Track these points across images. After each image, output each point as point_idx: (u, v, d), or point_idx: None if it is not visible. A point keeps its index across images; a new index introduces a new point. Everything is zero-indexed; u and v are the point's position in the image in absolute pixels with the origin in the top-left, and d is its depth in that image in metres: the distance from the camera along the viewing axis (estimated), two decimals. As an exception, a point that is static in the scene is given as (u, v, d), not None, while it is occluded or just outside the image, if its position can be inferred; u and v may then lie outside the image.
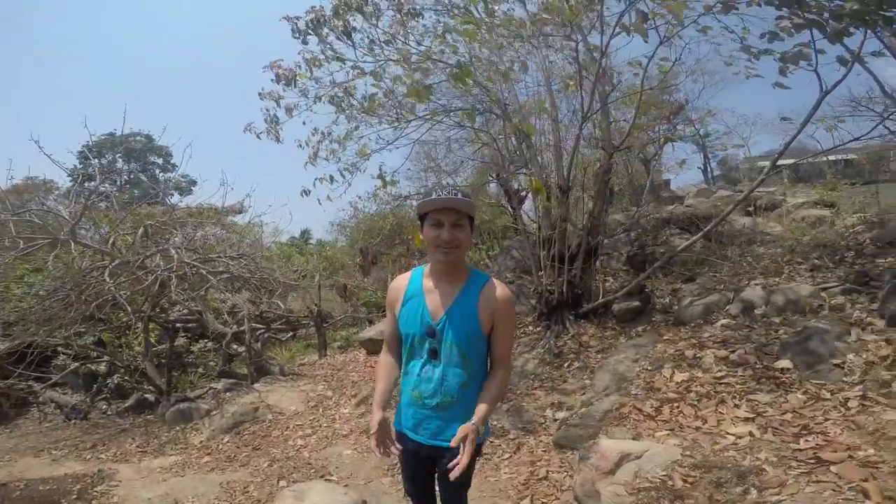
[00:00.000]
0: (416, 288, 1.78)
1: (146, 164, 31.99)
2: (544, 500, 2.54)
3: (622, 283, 5.67)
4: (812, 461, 1.92)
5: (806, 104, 3.49)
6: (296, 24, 4.24)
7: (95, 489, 3.53)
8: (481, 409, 1.62)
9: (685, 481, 1.96)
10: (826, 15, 2.63)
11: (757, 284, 4.44)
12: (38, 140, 5.47)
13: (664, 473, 2.03)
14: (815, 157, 8.58)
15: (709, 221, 5.56)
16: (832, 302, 3.60)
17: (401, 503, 2.84)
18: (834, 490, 1.73)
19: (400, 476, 3.12)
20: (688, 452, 2.15)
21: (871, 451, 1.90)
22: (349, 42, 4.48)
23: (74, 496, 3.42)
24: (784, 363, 2.90)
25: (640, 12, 3.15)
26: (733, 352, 3.26)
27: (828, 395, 2.46)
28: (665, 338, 3.99)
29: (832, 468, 1.85)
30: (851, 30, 2.65)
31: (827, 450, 1.97)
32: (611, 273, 6.70)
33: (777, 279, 4.61)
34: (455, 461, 1.49)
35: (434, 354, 1.70)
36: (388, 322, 1.90)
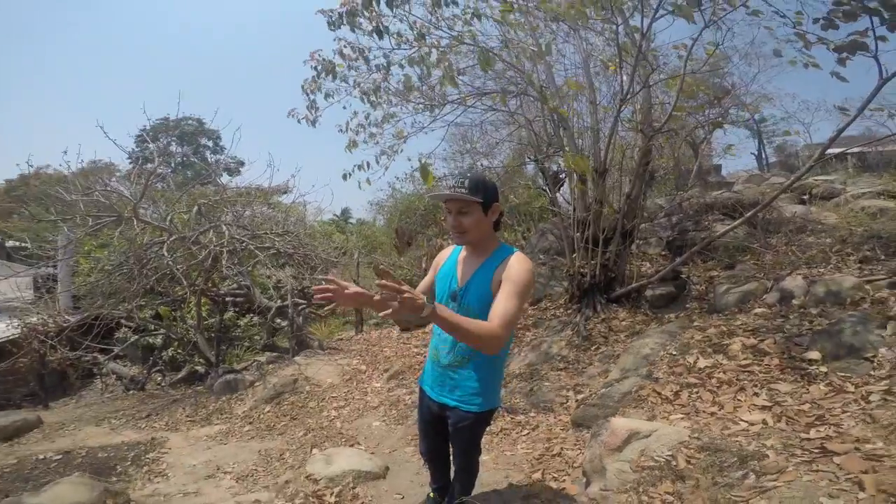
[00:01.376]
0: (454, 258, 1.99)
1: (197, 147, 33.55)
2: (555, 475, 2.63)
3: (658, 269, 5.57)
4: (817, 451, 1.90)
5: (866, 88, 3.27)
6: (331, 17, 4.37)
7: (147, 456, 3.79)
8: (442, 308, 1.57)
9: (689, 462, 2.00)
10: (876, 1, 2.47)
11: (799, 274, 4.27)
12: (103, 126, 5.96)
13: (669, 453, 2.07)
14: (868, 145, 7.96)
15: (754, 208, 5.35)
16: (875, 295, 3.43)
17: (420, 472, 3.01)
18: (831, 480, 1.72)
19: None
20: (695, 435, 2.18)
21: (880, 444, 1.86)
22: (384, 31, 4.58)
23: (129, 462, 3.66)
24: (813, 354, 2.83)
25: None
26: (762, 341, 3.19)
27: (851, 388, 2.40)
28: (695, 324, 3.94)
29: (835, 459, 1.83)
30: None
31: (835, 441, 1.94)
32: (648, 258, 6.58)
33: (822, 270, 4.42)
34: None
35: None
36: (426, 279, 2.12)
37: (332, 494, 2.70)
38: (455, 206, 1.79)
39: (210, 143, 33.70)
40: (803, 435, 2.06)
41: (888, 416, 2.07)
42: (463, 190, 1.75)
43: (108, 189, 7.01)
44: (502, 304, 1.65)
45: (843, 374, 2.58)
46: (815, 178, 8.98)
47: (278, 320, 7.30)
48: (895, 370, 2.43)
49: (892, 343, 2.64)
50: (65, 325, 5.98)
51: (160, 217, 7.19)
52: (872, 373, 2.49)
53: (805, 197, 7.62)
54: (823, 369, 2.69)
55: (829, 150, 3.95)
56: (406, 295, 1.48)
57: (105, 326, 6.27)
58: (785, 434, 2.12)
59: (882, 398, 2.24)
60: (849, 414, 2.20)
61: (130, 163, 21.60)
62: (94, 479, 2.98)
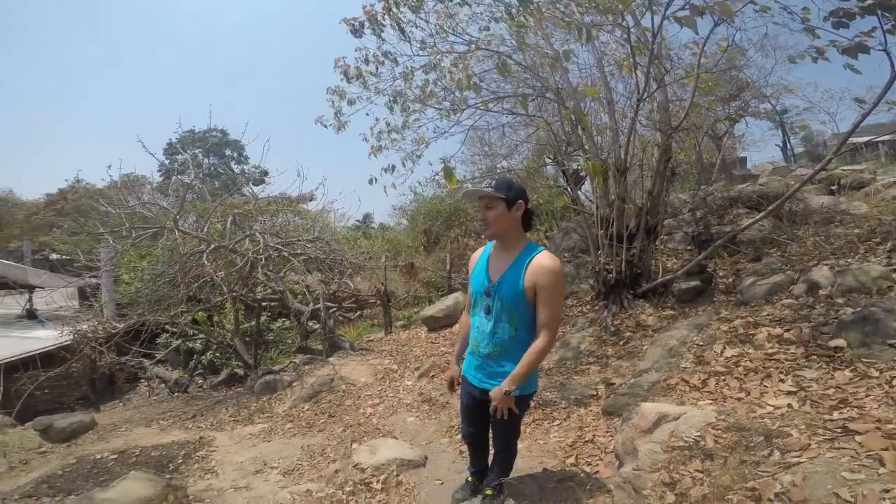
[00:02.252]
0: (485, 257, 2.21)
1: (222, 158, 34.53)
2: (588, 460, 2.76)
3: (684, 264, 5.62)
4: (839, 430, 1.99)
5: None
6: (353, 25, 4.59)
7: (197, 454, 3.96)
8: (514, 372, 1.99)
9: (716, 442, 2.11)
10: None
11: (826, 265, 4.29)
12: (142, 140, 6.33)
13: (698, 434, 2.18)
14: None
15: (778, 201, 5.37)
16: (903, 282, 3.46)
17: (457, 460, 3.18)
18: (852, 457, 1.80)
19: (456, 437, 3.51)
20: (722, 417, 2.29)
21: None
22: (404, 38, 4.79)
23: (180, 461, 3.83)
24: (838, 342, 2.89)
25: (693, 6, 3.16)
26: (788, 330, 3.26)
27: (875, 374, 2.45)
28: (722, 316, 4.00)
29: (857, 437, 1.91)
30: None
31: (857, 422, 2.02)
32: (673, 253, 6.62)
33: (849, 260, 4.42)
34: (493, 406, 2.01)
35: (488, 311, 2.09)
36: (468, 286, 2.33)
37: (378, 481, 2.90)
38: (483, 202, 2.08)
39: (234, 154, 34.62)
40: (826, 416, 2.15)
41: (910, 399, 2.14)
42: (489, 189, 2.07)
43: (150, 202, 7.41)
44: (543, 313, 1.99)
45: (867, 360, 2.64)
46: (844, 167, 8.84)
47: (310, 323, 7.57)
48: (920, 355, 2.48)
49: (917, 329, 2.69)
50: (113, 331, 6.34)
51: (197, 227, 7.57)
52: (896, 358, 2.55)
53: (833, 188, 7.53)
54: (849, 356, 2.74)
55: (855, 140, 3.97)
56: (499, 404, 2.02)
57: (150, 332, 6.62)
58: (809, 416, 2.21)
59: (905, 382, 2.31)
60: (872, 397, 2.26)
61: (161, 175, 22.40)
62: (157, 475, 3.21)
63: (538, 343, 1.98)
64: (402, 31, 4.63)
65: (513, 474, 2.54)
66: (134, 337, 6.61)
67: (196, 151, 31.25)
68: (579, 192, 7.44)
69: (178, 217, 6.16)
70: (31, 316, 10.79)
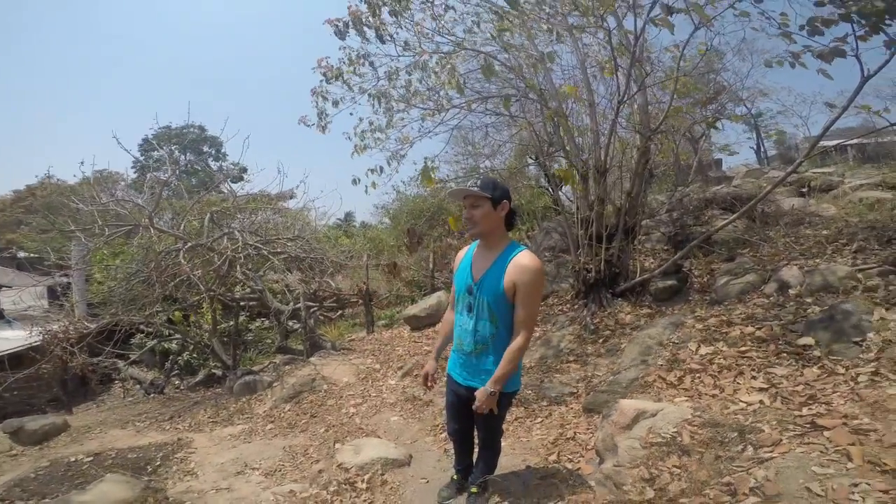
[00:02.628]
0: (469, 255, 2.25)
1: (199, 154, 33.77)
2: (570, 457, 2.83)
3: (661, 263, 5.76)
4: (808, 426, 2.09)
5: (871, 82, 3.42)
6: (337, 26, 4.56)
7: (175, 456, 3.91)
8: (496, 373, 2.04)
9: (692, 437, 2.19)
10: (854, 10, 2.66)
11: (795, 265, 4.45)
12: (117, 136, 6.16)
13: (675, 430, 2.26)
14: (862, 137, 8.16)
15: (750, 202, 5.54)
16: (867, 283, 3.59)
17: (441, 459, 3.21)
18: (821, 452, 1.90)
19: (441, 435, 3.54)
20: (698, 413, 2.37)
21: (866, 420, 2.03)
22: (383, 42, 4.78)
23: (158, 463, 3.78)
24: (807, 340, 3.01)
25: (665, 6, 3.25)
26: (760, 328, 3.38)
27: (841, 371, 2.57)
28: (697, 314, 4.12)
29: (825, 433, 2.01)
30: (888, 20, 2.68)
31: (825, 417, 2.12)
32: (651, 253, 6.76)
33: (818, 260, 4.59)
34: (476, 405, 2.05)
35: (470, 308, 2.14)
36: (452, 284, 2.37)
37: (363, 481, 2.91)
38: (468, 201, 2.12)
39: (213, 151, 33.91)
40: (796, 412, 2.25)
41: (874, 395, 2.25)
42: (475, 188, 2.10)
43: (124, 199, 7.23)
44: (520, 312, 2.04)
45: (834, 357, 2.76)
46: (814, 170, 9.16)
47: (290, 323, 7.50)
48: (882, 353, 2.60)
49: (879, 328, 2.82)
50: (85, 331, 6.17)
51: (173, 225, 7.41)
52: (861, 356, 2.67)
53: (804, 190, 7.79)
54: (817, 353, 2.87)
55: (825, 143, 4.12)
56: (483, 403, 2.05)
57: (124, 332, 6.47)
58: (780, 412, 2.31)
59: (869, 379, 2.43)
60: (838, 394, 2.38)
61: (136, 171, 21.81)
62: (135, 478, 3.16)
63: (517, 341, 2.03)
64: (380, 38, 4.62)
65: (497, 472, 2.59)
66: (107, 337, 6.45)
67: (172, 148, 30.51)
68: (560, 193, 7.54)
69: (153, 214, 6.03)
70: (-2, 316, 10.42)
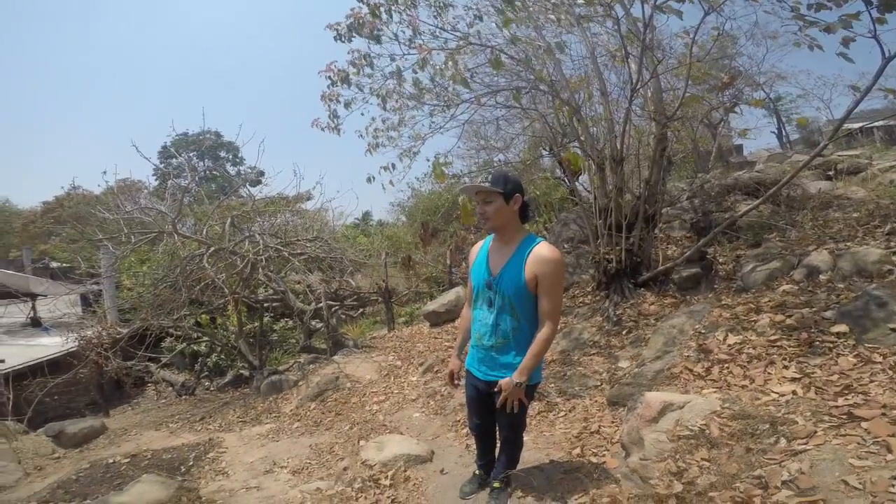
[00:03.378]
0: (484, 250, 2.24)
1: (217, 160, 34.37)
2: (595, 451, 2.79)
3: (683, 251, 5.63)
4: (845, 417, 2.01)
5: (894, 64, 3.28)
6: (337, 31, 4.57)
7: (207, 456, 4.02)
8: (523, 364, 2.02)
9: (722, 430, 2.13)
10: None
11: (825, 249, 4.30)
12: (136, 145, 6.30)
13: (703, 422, 2.21)
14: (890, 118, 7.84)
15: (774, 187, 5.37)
16: (903, 265, 3.47)
17: (463, 454, 3.21)
18: (859, 443, 1.83)
19: (462, 431, 3.53)
20: (727, 405, 2.31)
21: None
22: (393, 36, 4.76)
23: (191, 463, 3.89)
24: (840, 328, 2.91)
25: None
26: (790, 316, 3.27)
27: (879, 359, 2.47)
28: (723, 303, 4.02)
29: (863, 424, 1.93)
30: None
31: (863, 408, 2.04)
32: (673, 241, 6.63)
33: (848, 244, 4.43)
34: (502, 397, 2.04)
35: (490, 303, 2.13)
36: (468, 280, 2.36)
37: (386, 477, 2.93)
38: (479, 198, 2.11)
39: (229, 156, 34.48)
40: (831, 403, 2.17)
41: (915, 384, 2.16)
42: (486, 183, 2.10)
43: (148, 207, 7.41)
44: (545, 303, 2.03)
45: (870, 345, 2.66)
46: (840, 153, 8.84)
47: (313, 322, 7.60)
48: (921, 338, 2.50)
49: (918, 312, 2.71)
50: (118, 336, 6.36)
51: (196, 230, 7.57)
52: (900, 342, 2.57)
53: (830, 173, 7.52)
54: (851, 341, 2.76)
55: (850, 126, 3.97)
56: (508, 394, 2.05)
57: (154, 336, 6.65)
58: (814, 403, 2.23)
59: (909, 368, 2.32)
60: (876, 383, 2.28)
61: (156, 179, 22.32)
62: (169, 478, 3.24)
63: (543, 332, 2.02)
64: (377, 39, 4.59)
65: (520, 466, 2.57)
66: (139, 341, 6.64)
67: (191, 154, 31.14)
68: (577, 183, 7.44)
69: (176, 221, 6.16)
70: (36, 324, 10.87)
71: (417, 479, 2.94)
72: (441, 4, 4.63)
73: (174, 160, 25.11)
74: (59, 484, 3.55)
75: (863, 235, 4.54)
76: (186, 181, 7.26)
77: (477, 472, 2.62)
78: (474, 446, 2.67)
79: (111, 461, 3.98)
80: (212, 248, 6.22)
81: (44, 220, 23.52)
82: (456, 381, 2.43)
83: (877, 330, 2.75)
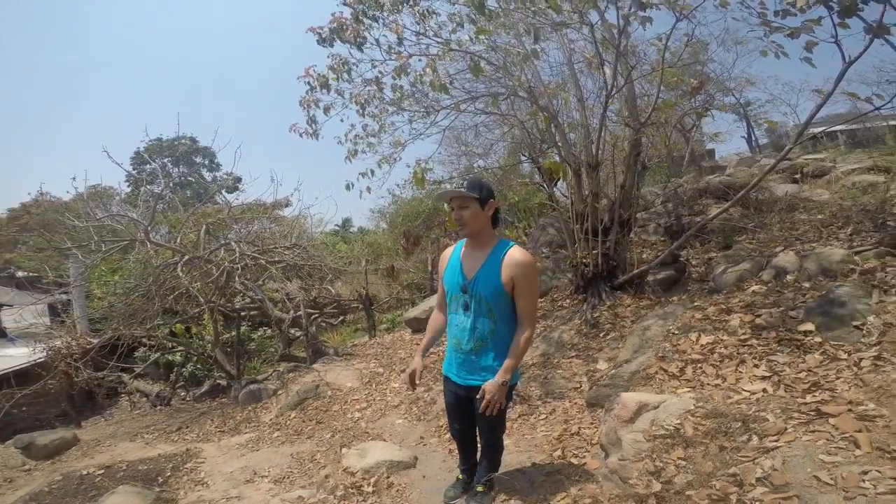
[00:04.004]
0: (456, 255, 2.27)
1: (192, 166, 33.69)
2: (575, 452, 2.83)
3: (658, 254, 5.77)
4: (813, 413, 2.09)
5: (856, 68, 3.44)
6: (320, 34, 4.56)
7: (185, 466, 3.95)
8: (505, 364, 2.06)
9: (696, 429, 2.20)
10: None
11: (792, 250, 4.46)
12: (108, 150, 6.13)
13: (678, 422, 2.27)
14: (849, 122, 8.22)
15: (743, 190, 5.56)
16: (864, 266, 3.60)
17: (447, 460, 3.22)
18: (828, 439, 1.90)
19: (445, 436, 3.54)
20: (700, 403, 2.38)
21: (872, 405, 2.03)
22: (374, 42, 4.77)
23: (168, 473, 3.81)
24: (807, 326, 3.02)
25: (637, 1, 3.26)
26: (759, 316, 3.39)
27: (844, 356, 2.57)
28: (696, 304, 4.13)
29: (830, 420, 2.01)
30: (861, 5, 2.69)
31: (830, 404, 2.12)
32: (648, 245, 6.79)
33: (814, 245, 4.61)
34: (486, 400, 2.04)
35: (467, 307, 2.16)
36: (439, 286, 2.40)
37: (369, 484, 2.91)
38: (457, 202, 2.16)
39: (206, 162, 33.83)
40: (800, 400, 2.26)
41: (878, 380, 2.26)
42: (462, 189, 2.14)
43: (119, 214, 7.22)
44: (523, 305, 2.09)
45: (835, 342, 2.77)
46: (806, 156, 9.20)
47: (292, 331, 7.50)
48: (883, 336, 2.61)
49: (878, 311, 2.84)
50: (88, 346, 6.18)
51: (170, 238, 7.41)
52: (863, 340, 2.68)
53: (797, 176, 7.82)
54: (818, 339, 2.87)
55: (813, 130, 4.15)
56: (493, 395, 2.06)
57: (127, 346, 6.48)
58: (783, 400, 2.32)
59: (872, 363, 2.43)
60: (842, 379, 2.38)
61: (129, 185, 21.75)
62: (146, 489, 3.16)
63: (524, 333, 2.08)
64: (359, 46, 4.60)
65: (502, 469, 2.60)
66: (110, 351, 6.45)
67: (165, 160, 30.47)
68: (556, 189, 7.55)
69: (149, 229, 6.02)
70: (1, 334, 10.42)
71: (401, 486, 2.93)
72: (424, 11, 4.65)
73: (148, 166, 24.48)
74: (31, 496, 3.46)
75: (827, 236, 4.73)
76: (160, 188, 7.10)
77: (460, 476, 2.63)
78: (457, 451, 2.68)
79: (85, 473, 3.88)
80: (186, 257, 6.09)
81: (9, 227, 22.61)
82: (417, 382, 2.36)
83: (841, 328, 2.87)
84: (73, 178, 6.63)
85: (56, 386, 6.22)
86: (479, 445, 2.49)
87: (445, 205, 2.30)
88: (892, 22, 3.00)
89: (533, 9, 4.60)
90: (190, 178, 29.39)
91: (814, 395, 2.29)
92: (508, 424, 3.48)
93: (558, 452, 2.86)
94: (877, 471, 1.66)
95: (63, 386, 6.27)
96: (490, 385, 2.06)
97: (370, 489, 2.86)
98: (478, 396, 2.10)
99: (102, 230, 6.64)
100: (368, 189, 5.86)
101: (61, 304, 8.08)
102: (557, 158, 5.91)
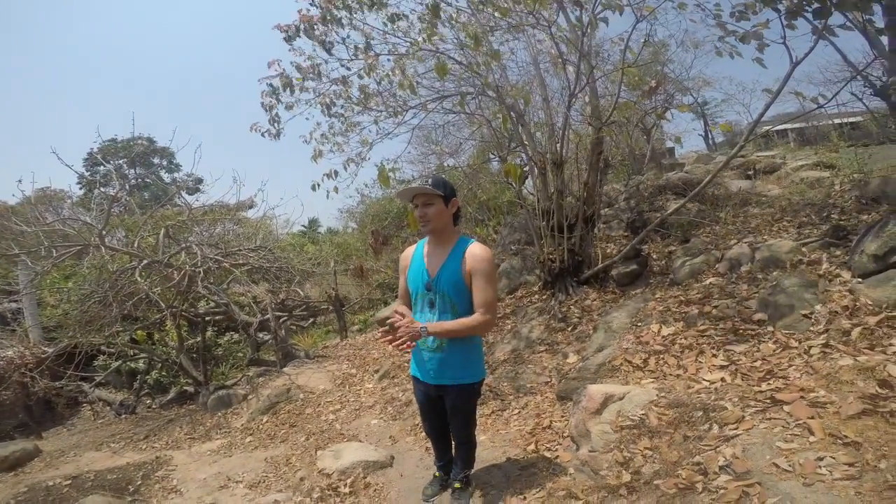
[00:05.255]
0: (419, 254, 2.30)
1: (150, 167, 32.33)
2: (548, 446, 2.91)
3: (621, 249, 5.95)
4: (768, 401, 2.21)
5: (803, 69, 3.67)
6: (286, 32, 4.48)
7: (156, 474, 3.86)
8: (441, 322, 2.11)
9: (660, 419, 2.30)
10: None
11: (745, 243, 4.69)
12: (56, 151, 5.82)
13: (642, 412, 2.37)
14: (794, 120, 8.76)
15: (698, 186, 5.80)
16: (811, 257, 3.83)
17: (423, 458, 3.24)
18: (784, 426, 2.01)
19: (421, 434, 3.57)
20: (663, 394, 2.50)
21: (822, 392, 2.16)
22: (341, 41, 4.72)
23: (139, 482, 3.73)
24: (760, 316, 3.20)
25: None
26: (716, 307, 3.56)
27: (795, 344, 2.73)
28: (657, 297, 4.30)
29: (785, 408, 2.12)
30: (806, 8, 2.87)
31: (784, 392, 2.25)
32: (612, 240, 6.99)
33: (765, 237, 4.87)
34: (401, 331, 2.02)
35: (432, 305, 2.19)
36: (400, 283, 2.42)
37: (345, 485, 2.91)
38: (421, 200, 2.18)
39: (164, 163, 32.50)
40: (756, 388, 2.38)
41: (827, 367, 2.39)
42: (427, 186, 2.17)
43: (71, 218, 6.88)
44: (481, 294, 2.10)
45: (787, 331, 2.93)
46: (759, 154, 9.68)
47: (261, 334, 7.35)
48: (830, 325, 2.79)
49: (824, 299, 3.03)
50: (43, 356, 5.88)
51: (126, 242, 7.11)
52: (812, 328, 2.84)
53: (750, 172, 8.22)
54: (770, 329, 3.04)
55: (764, 128, 4.38)
56: (404, 330, 2.00)
57: (85, 354, 6.20)
58: (741, 389, 2.44)
59: (821, 351, 2.58)
60: (794, 367, 2.52)
61: (81, 188, 20.69)
62: (116, 498, 3.07)
63: (475, 317, 2.09)
64: (326, 48, 4.55)
65: (478, 465, 2.65)
66: (68, 360, 6.15)
67: (120, 162, 29.09)
68: (523, 187, 7.67)
69: (103, 232, 5.76)
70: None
71: (378, 485, 2.94)
72: (391, 15, 4.63)
73: (101, 168, 23.33)
74: (-4, 509, 3.29)
75: (777, 230, 4.99)
76: (115, 190, 6.79)
77: (437, 473, 2.67)
78: (432, 449, 2.72)
79: (51, 484, 3.72)
80: (144, 261, 5.87)
81: (-53, 234, 21.14)
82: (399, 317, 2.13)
83: (791, 316, 3.05)
84: (20, 181, 6.22)
85: (11, 397, 5.89)
86: (453, 442, 2.53)
87: (409, 203, 2.30)
88: (835, 23, 3.22)
89: (490, 10, 4.67)
90: (147, 180, 28.20)
91: (769, 384, 2.41)
92: (482, 420, 3.55)
93: (532, 446, 2.93)
94: (831, 457, 1.75)
95: (19, 397, 5.95)
96: (410, 321, 2.06)
97: (347, 490, 2.86)
98: (395, 323, 2.05)
99: (53, 235, 6.32)
100: (336, 189, 5.80)
101: (11, 313, 7.64)
102: (524, 157, 6.01)
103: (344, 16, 4.39)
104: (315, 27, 4.44)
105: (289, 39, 4.62)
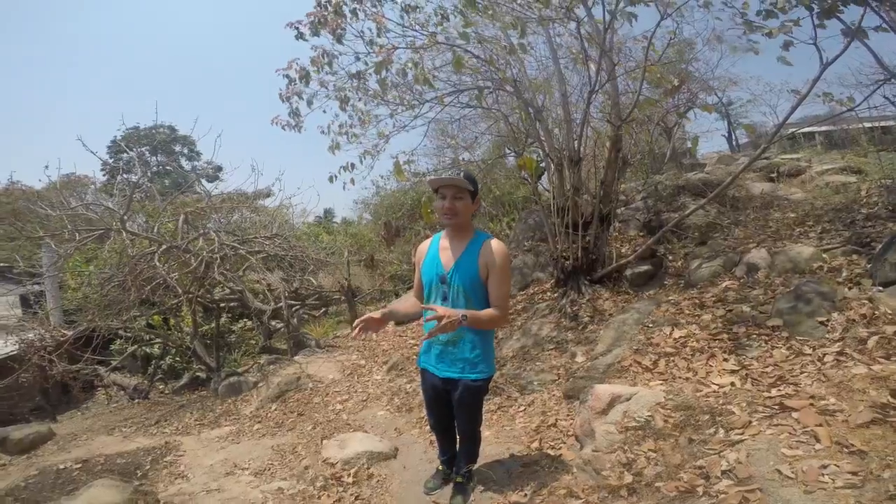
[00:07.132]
0: (434, 247, 2.31)
1: (171, 155, 32.89)
2: (552, 444, 2.90)
3: (636, 249, 5.87)
4: (777, 407, 2.17)
5: (835, 70, 3.56)
6: (298, 29, 4.50)
7: (165, 459, 3.93)
8: (474, 312, 2.09)
9: (666, 421, 2.28)
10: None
11: (764, 247, 4.59)
12: (81, 138, 5.96)
13: (648, 414, 2.35)
14: (821, 123, 8.47)
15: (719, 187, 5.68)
16: (832, 263, 3.74)
17: (427, 451, 3.26)
18: (790, 433, 1.97)
19: (426, 427, 3.59)
20: (670, 396, 2.46)
21: (833, 400, 2.11)
22: (358, 35, 4.71)
23: (147, 466, 3.81)
24: (775, 321, 3.13)
25: None
26: (731, 311, 3.50)
27: (808, 351, 2.67)
28: (670, 298, 4.24)
29: (793, 414, 2.08)
30: (842, 7, 2.77)
31: (793, 398, 2.20)
32: (627, 240, 6.90)
33: (785, 242, 4.75)
34: (445, 321, 1.95)
35: (445, 297, 2.20)
36: (416, 275, 2.44)
37: (349, 475, 2.94)
38: (451, 192, 2.18)
39: (185, 150, 33.06)
40: (766, 394, 2.34)
41: (839, 375, 2.34)
42: (463, 180, 2.18)
43: (94, 203, 7.05)
44: (497, 291, 2.12)
45: (801, 338, 2.87)
46: (783, 156, 9.43)
47: (273, 322, 7.45)
48: (846, 333, 2.72)
49: (842, 307, 2.95)
50: (62, 339, 6.04)
51: (147, 228, 7.26)
52: (827, 336, 2.78)
53: (773, 175, 8.02)
54: (785, 334, 2.98)
55: (791, 130, 4.25)
56: (448, 320, 1.95)
57: (102, 338, 6.35)
58: (750, 394, 2.40)
59: (835, 359, 2.52)
60: (805, 374, 2.47)
61: (105, 174, 21.16)
62: (124, 482, 3.14)
63: (494, 312, 2.13)
64: (338, 39, 4.55)
65: (482, 460, 2.65)
66: (86, 344, 6.31)
67: (143, 149, 29.63)
68: (539, 183, 7.61)
69: (125, 218, 5.89)
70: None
71: (381, 476, 2.97)
72: (407, 6, 4.61)
73: (124, 155, 23.84)
74: (7, 491, 3.41)
75: (798, 235, 4.87)
76: (137, 176, 6.93)
77: (440, 467, 2.69)
78: (437, 442, 2.73)
79: (62, 467, 3.83)
80: (163, 247, 5.99)
81: (-23, 216, 21.82)
82: (360, 326, 2.09)
83: (806, 323, 2.98)
84: (46, 167, 6.39)
85: (30, 379, 6.06)
86: (457, 436, 2.54)
87: (434, 192, 2.28)
88: (870, 25, 3.11)
89: (520, 2, 4.61)
90: (168, 168, 28.71)
91: (779, 389, 2.37)
92: (488, 416, 3.55)
93: (536, 444, 2.92)
94: (835, 465, 1.72)
95: (37, 379, 6.12)
96: (451, 311, 1.99)
97: (350, 480, 2.90)
98: (430, 318, 2.03)
99: (77, 219, 6.48)
100: (352, 181, 5.84)
101: (34, 295, 7.88)
102: (541, 153, 5.95)
103: (356, 8, 4.38)
104: (326, 22, 4.45)
105: (300, 37, 4.64)
